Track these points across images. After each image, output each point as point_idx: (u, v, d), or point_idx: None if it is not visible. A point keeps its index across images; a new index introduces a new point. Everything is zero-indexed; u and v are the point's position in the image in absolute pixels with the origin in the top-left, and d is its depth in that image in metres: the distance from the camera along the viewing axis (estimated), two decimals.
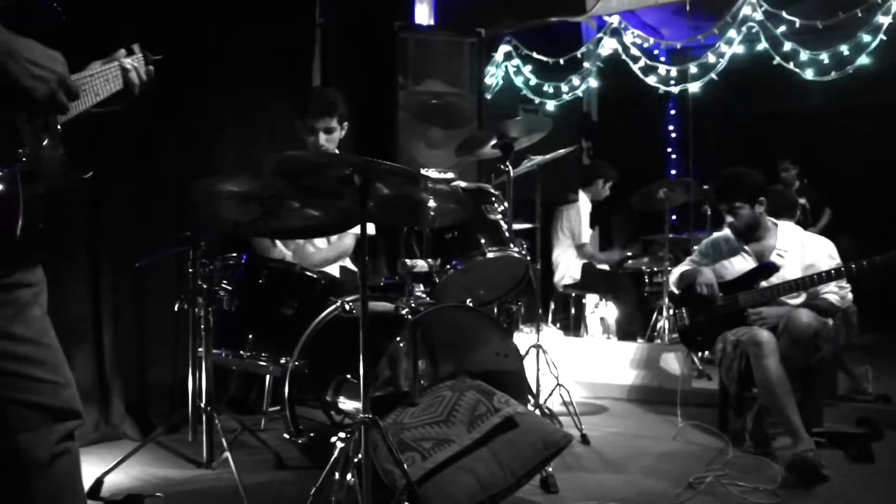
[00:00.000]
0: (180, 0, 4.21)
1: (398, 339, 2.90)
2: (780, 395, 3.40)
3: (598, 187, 6.22)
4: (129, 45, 1.87)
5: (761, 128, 7.38)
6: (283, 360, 3.15)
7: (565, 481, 3.17)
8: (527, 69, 6.52)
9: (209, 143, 4.45)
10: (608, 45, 6.20)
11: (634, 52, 6.11)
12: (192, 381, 3.26)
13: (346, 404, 2.98)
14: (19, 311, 1.59)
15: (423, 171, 3.34)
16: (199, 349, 3.19)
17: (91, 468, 2.97)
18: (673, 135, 8.01)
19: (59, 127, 1.59)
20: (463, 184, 3.49)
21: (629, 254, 6.30)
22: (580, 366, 5.18)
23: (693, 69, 5.90)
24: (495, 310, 4.26)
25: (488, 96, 6.18)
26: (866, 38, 5.08)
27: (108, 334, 3.97)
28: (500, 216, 3.48)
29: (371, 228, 3.53)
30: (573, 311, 6.47)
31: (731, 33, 5.61)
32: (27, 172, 1.43)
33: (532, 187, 4.31)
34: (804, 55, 5.34)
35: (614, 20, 6.15)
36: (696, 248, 4.28)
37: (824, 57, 5.29)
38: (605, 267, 6.23)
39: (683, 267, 4.16)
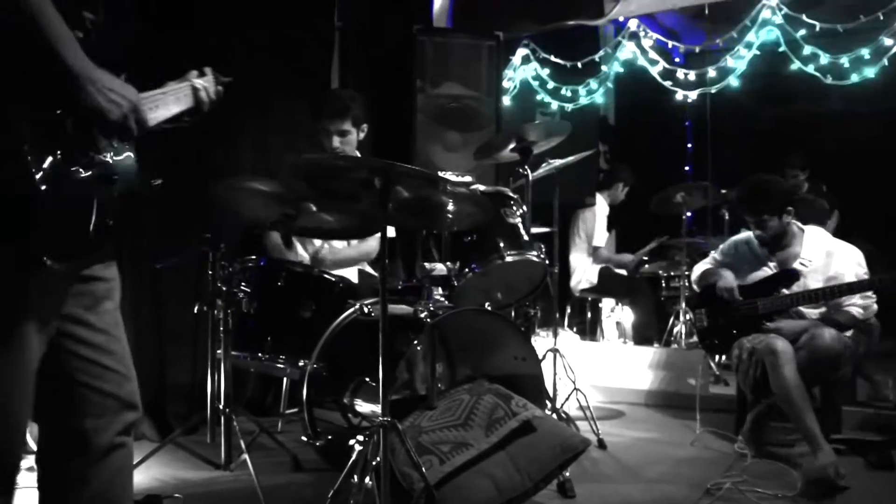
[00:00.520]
0: (199, 4, 4.24)
1: (416, 342, 2.90)
2: (798, 403, 3.37)
3: (616, 191, 6.22)
4: (201, 67, 2.09)
5: (780, 132, 7.30)
6: (301, 363, 3.16)
7: (582, 486, 3.16)
8: (545, 72, 6.50)
9: (229, 145, 4.47)
10: (626, 49, 6.17)
11: (653, 55, 6.08)
12: (210, 382, 3.28)
13: (364, 407, 2.99)
14: (95, 303, 1.74)
15: (441, 175, 3.34)
16: (218, 351, 3.21)
17: None
18: (691, 139, 7.96)
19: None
20: (481, 187, 3.49)
21: (644, 257, 6.28)
22: (597, 370, 5.16)
23: (712, 73, 5.87)
24: (512, 313, 4.26)
25: (506, 100, 6.18)
26: (888, 41, 5.04)
27: (128, 335, 3.97)
28: (518, 220, 3.48)
29: (391, 231, 3.53)
30: (589, 315, 6.44)
31: (750, 36, 5.56)
32: (103, 175, 1.58)
33: (550, 191, 4.30)
34: (824, 59, 5.30)
35: (632, 24, 6.12)
36: (720, 246, 4.18)
37: (844, 60, 5.25)
38: (623, 271, 6.21)
39: (705, 265, 4.10)
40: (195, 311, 3.26)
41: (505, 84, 6.19)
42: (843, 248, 3.79)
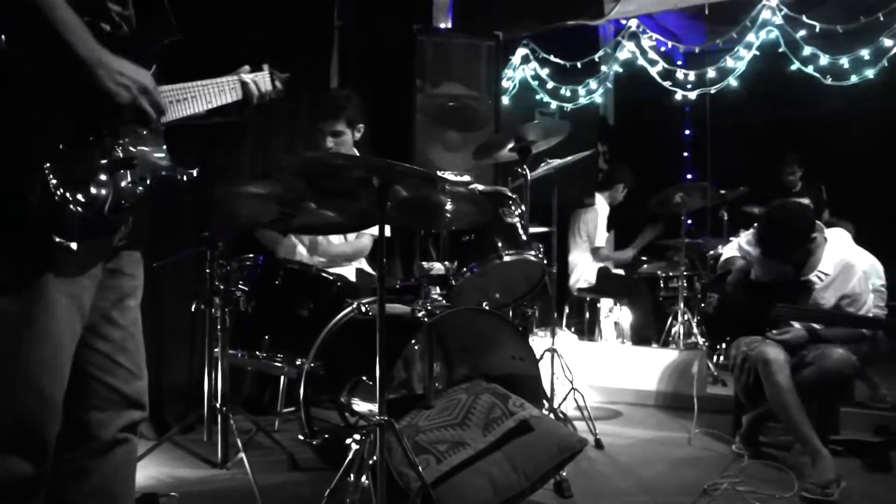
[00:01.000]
0: (199, 4, 4.23)
1: (414, 341, 2.90)
2: (793, 411, 3.34)
3: (616, 192, 6.22)
4: (258, 62, 2.18)
5: (779, 132, 7.32)
6: (298, 362, 3.16)
7: (579, 486, 3.16)
8: (544, 72, 6.51)
9: (230, 144, 4.45)
10: (626, 49, 6.18)
11: (652, 56, 6.09)
12: (207, 381, 3.27)
13: (361, 406, 2.98)
14: (119, 299, 1.78)
15: (440, 174, 3.34)
16: (215, 350, 3.20)
17: None
18: (690, 139, 7.97)
19: (161, 127, 1.80)
20: (480, 187, 3.49)
21: (639, 247, 6.27)
22: (595, 370, 5.16)
23: (711, 73, 5.88)
24: (510, 313, 4.25)
25: (505, 99, 6.17)
26: (887, 42, 5.04)
27: None
28: (516, 219, 3.48)
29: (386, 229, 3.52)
30: (587, 315, 6.45)
31: (750, 37, 5.57)
32: (122, 160, 1.63)
33: (549, 191, 4.30)
34: (824, 60, 5.30)
35: (632, 24, 6.13)
36: (747, 234, 4.00)
37: (844, 61, 5.25)
38: (621, 271, 6.21)
39: (731, 252, 3.98)
40: (193, 309, 3.25)
41: (504, 84, 6.20)
42: (862, 260, 3.67)
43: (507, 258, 3.35)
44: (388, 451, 2.39)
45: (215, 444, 3.21)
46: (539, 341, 4.68)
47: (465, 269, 3.33)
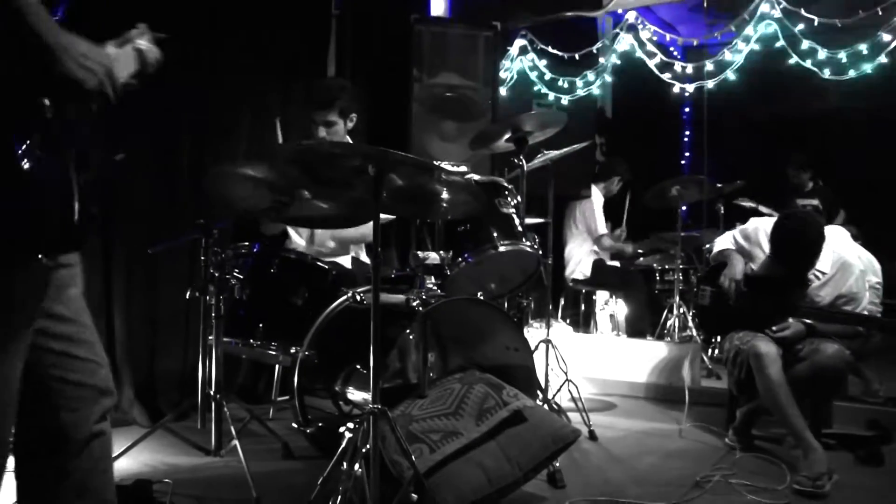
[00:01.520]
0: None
1: (408, 331, 2.90)
2: (784, 404, 3.35)
3: (612, 184, 6.22)
4: (134, 25, 1.85)
5: (777, 126, 7.33)
6: (292, 350, 3.16)
7: (572, 477, 3.17)
8: (542, 64, 6.49)
9: (224, 131, 4.45)
10: (624, 41, 6.16)
11: (650, 48, 6.08)
12: (201, 368, 3.27)
13: (355, 395, 2.98)
14: (59, 291, 1.63)
15: (436, 163, 3.33)
16: (210, 337, 3.20)
17: None
18: (687, 132, 7.97)
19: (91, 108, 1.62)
20: (476, 177, 3.48)
21: (640, 251, 6.30)
22: (589, 362, 5.17)
23: (709, 66, 5.87)
24: (506, 304, 4.26)
25: (503, 90, 6.16)
26: (886, 37, 5.03)
27: (119, 320, 3.99)
28: (512, 210, 3.47)
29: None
30: (583, 307, 6.46)
31: (749, 31, 5.56)
32: (79, 157, 1.49)
33: (545, 182, 4.30)
34: (822, 54, 5.29)
35: (631, 16, 6.12)
36: (745, 226, 3.97)
37: (842, 56, 5.24)
38: (617, 263, 6.21)
39: (726, 243, 3.96)
40: (187, 296, 3.25)
41: (502, 74, 6.19)
42: (860, 258, 3.69)
43: (502, 248, 3.34)
44: (381, 439, 2.39)
45: (209, 432, 3.21)
46: (534, 332, 4.68)
47: (460, 259, 3.32)
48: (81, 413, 1.68)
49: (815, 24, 5.24)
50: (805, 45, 5.31)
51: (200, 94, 4.26)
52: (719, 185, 5.72)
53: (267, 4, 4.63)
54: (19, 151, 1.37)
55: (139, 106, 3.90)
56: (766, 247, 3.71)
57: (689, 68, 6.01)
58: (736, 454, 3.59)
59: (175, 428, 3.55)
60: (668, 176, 5.51)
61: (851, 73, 5.24)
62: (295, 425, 3.08)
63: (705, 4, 5.80)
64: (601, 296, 6.26)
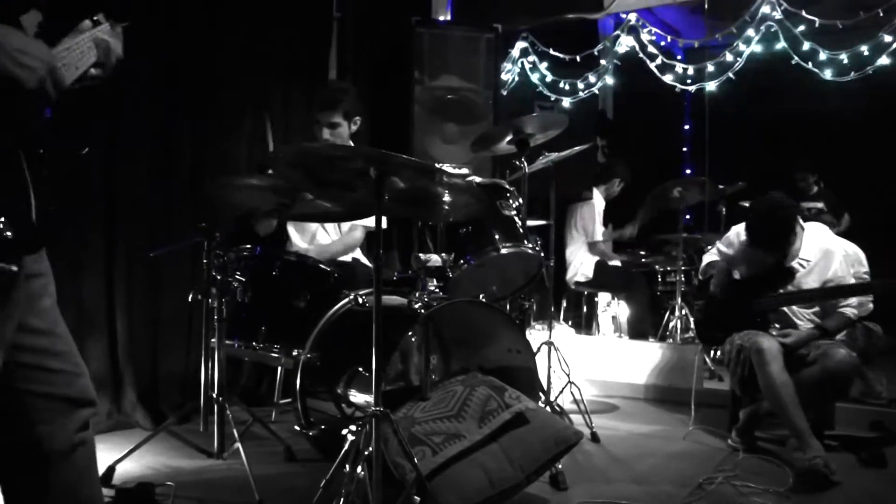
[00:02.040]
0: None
1: (410, 333, 2.90)
2: (786, 400, 3.36)
3: (612, 186, 6.22)
4: (90, 15, 1.73)
5: (778, 128, 7.32)
6: (295, 353, 3.16)
7: (575, 479, 3.16)
8: (543, 66, 6.48)
9: (225, 134, 4.46)
10: (625, 43, 6.16)
11: (651, 50, 6.07)
12: (204, 371, 3.27)
13: (358, 397, 2.98)
14: (31, 303, 1.58)
15: (437, 166, 3.34)
16: (212, 340, 3.20)
17: (103, 456, 2.95)
18: (689, 134, 7.96)
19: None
20: (478, 179, 3.48)
21: (642, 252, 6.30)
22: (592, 364, 5.17)
23: (710, 68, 5.86)
24: (508, 306, 4.25)
25: (504, 92, 6.16)
26: (887, 38, 5.03)
27: (122, 323, 3.99)
28: (514, 212, 3.47)
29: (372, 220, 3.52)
30: (585, 309, 6.45)
31: (750, 32, 5.55)
32: (33, 154, 1.41)
33: (547, 184, 4.30)
34: (823, 55, 5.29)
35: (632, 18, 6.11)
36: (726, 236, 4.06)
37: (844, 57, 5.24)
38: (618, 263, 6.21)
39: (711, 257, 4.04)
40: (190, 299, 3.25)
41: (503, 77, 6.18)
42: (843, 247, 3.74)
43: (504, 250, 3.34)
44: (383, 442, 2.39)
45: (212, 435, 3.21)
46: (536, 334, 4.68)
47: (462, 262, 3.32)
48: (58, 423, 1.63)
49: (817, 25, 5.23)
50: (806, 46, 5.30)
51: (202, 95, 4.26)
52: (721, 187, 5.71)
53: (268, 6, 4.63)
54: None
55: (139, 106, 3.91)
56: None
57: (691, 70, 6.00)
58: (739, 456, 3.59)
59: (177, 431, 3.55)
60: (670, 177, 5.51)
61: (853, 75, 5.24)
62: (297, 428, 3.08)
63: (706, 6, 5.78)
64: (603, 298, 6.25)
